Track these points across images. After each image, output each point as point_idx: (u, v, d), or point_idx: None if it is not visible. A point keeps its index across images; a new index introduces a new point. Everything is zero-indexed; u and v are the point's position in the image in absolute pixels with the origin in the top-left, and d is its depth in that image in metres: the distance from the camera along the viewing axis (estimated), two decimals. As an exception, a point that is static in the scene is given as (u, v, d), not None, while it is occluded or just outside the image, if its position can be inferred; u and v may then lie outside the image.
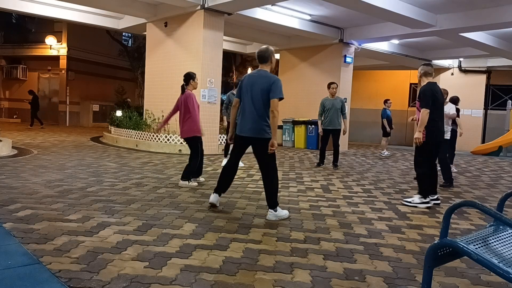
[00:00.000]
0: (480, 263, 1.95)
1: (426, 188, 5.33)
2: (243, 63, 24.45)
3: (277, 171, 4.46)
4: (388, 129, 12.29)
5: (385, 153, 12.43)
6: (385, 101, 12.49)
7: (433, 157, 5.45)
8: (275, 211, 4.31)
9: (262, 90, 4.20)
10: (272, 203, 4.32)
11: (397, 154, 13.34)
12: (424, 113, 5.18)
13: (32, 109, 17.16)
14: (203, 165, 6.45)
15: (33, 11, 12.52)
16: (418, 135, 5.21)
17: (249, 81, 4.34)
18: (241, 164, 8.33)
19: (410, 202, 5.37)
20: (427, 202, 5.30)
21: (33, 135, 13.36)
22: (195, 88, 6.12)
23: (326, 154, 9.04)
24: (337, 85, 8.98)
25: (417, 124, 5.31)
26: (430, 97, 5.20)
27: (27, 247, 3.14)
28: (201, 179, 6.34)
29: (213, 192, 4.66)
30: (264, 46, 4.42)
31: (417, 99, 5.35)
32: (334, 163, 8.88)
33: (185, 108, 5.88)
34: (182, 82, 6.07)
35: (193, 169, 6.02)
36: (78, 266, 2.82)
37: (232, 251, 3.27)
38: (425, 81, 5.37)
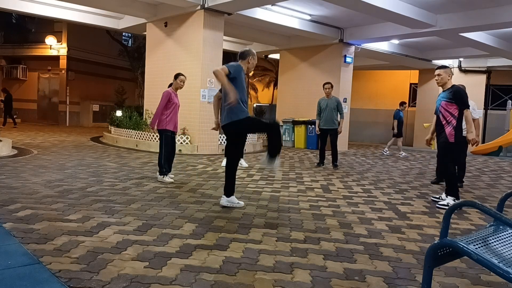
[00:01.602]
0: (480, 263, 1.96)
1: (456, 187, 5.39)
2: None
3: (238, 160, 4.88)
4: (395, 130, 12.45)
5: (403, 154, 12.62)
6: (401, 104, 12.87)
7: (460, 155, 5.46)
8: (228, 196, 4.74)
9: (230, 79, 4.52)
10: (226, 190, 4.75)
11: (397, 154, 13.34)
12: (469, 113, 5.27)
13: (6, 108, 17.28)
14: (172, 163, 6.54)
15: (33, 11, 12.51)
16: (473, 136, 5.29)
17: None
18: (245, 164, 8.38)
19: (445, 205, 5.28)
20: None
21: (33, 135, 13.36)
22: (180, 88, 6.40)
23: (326, 154, 9.06)
24: (331, 85, 8.99)
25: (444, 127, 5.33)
26: (467, 98, 5.37)
27: (27, 247, 3.14)
28: (168, 179, 6.27)
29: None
30: (247, 48, 4.87)
31: (449, 99, 5.31)
32: (334, 163, 8.88)
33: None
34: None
35: (160, 162, 6.27)
36: (78, 266, 2.82)
37: (232, 251, 3.27)
38: (450, 83, 5.40)
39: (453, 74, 5.49)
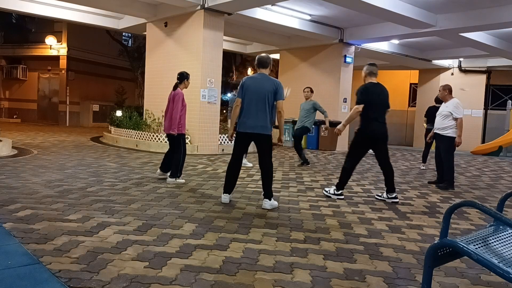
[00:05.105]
0: (480, 263, 1.96)
1: (344, 181, 5.59)
2: (243, 63, 24.43)
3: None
4: None
5: None
6: None
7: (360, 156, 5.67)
8: (270, 200, 4.84)
9: (268, 92, 4.77)
10: (271, 193, 4.85)
11: (397, 154, 13.34)
12: (354, 110, 5.42)
13: None
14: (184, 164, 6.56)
15: (33, 11, 12.51)
16: (340, 127, 5.62)
17: (254, 83, 4.85)
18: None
19: (327, 192, 5.72)
20: (340, 194, 5.59)
21: (33, 135, 13.36)
22: (186, 88, 6.47)
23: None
24: (310, 89, 9.21)
25: None
26: (364, 95, 5.39)
27: (27, 247, 3.14)
28: (182, 179, 6.33)
29: (223, 193, 5.04)
30: (265, 54, 5.06)
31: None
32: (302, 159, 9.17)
33: (171, 104, 6.22)
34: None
35: (177, 165, 6.21)
36: (78, 266, 2.83)
37: (232, 251, 3.27)
38: (368, 81, 5.58)
39: (368, 72, 5.57)
